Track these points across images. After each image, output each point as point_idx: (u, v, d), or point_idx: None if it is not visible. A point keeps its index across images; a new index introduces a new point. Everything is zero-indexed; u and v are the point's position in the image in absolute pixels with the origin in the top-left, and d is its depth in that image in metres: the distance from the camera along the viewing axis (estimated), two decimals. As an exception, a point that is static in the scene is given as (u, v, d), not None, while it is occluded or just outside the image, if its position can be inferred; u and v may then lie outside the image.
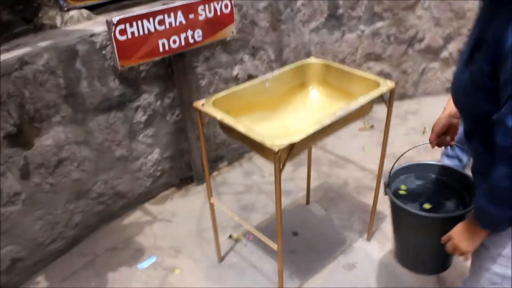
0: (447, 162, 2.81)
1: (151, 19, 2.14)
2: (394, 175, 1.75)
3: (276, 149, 1.41)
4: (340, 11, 3.12)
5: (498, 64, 0.99)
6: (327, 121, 1.55)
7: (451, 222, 1.32)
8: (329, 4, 3.05)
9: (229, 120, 1.57)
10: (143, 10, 2.13)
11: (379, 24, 3.28)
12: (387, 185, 1.68)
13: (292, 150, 1.47)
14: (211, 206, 2.05)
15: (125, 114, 2.35)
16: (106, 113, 2.27)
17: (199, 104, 1.73)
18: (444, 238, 1.32)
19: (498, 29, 0.99)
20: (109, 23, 2.01)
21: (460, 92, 1.18)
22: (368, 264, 2.21)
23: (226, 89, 1.82)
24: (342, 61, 3.34)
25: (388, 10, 3.24)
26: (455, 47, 3.47)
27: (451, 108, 1.43)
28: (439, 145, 1.51)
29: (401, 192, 1.72)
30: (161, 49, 2.23)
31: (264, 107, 1.95)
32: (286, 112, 2.00)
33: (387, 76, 3.55)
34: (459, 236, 1.25)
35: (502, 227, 1.16)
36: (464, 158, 2.81)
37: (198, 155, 2.76)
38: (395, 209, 1.67)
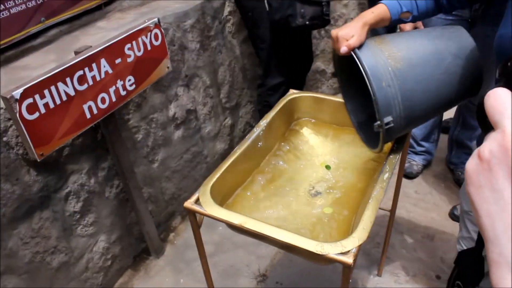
0: (417, 159, 2.63)
1: (68, 79, 1.51)
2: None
3: (350, 260, 0.99)
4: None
5: None
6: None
7: None
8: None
9: (263, 228, 1.09)
10: (49, 66, 1.49)
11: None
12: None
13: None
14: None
15: (53, 210, 1.69)
16: (27, 218, 1.59)
17: (191, 202, 1.21)
18: None
19: None
20: (8, 101, 1.35)
21: None
22: (394, 308, 1.93)
23: (217, 168, 1.32)
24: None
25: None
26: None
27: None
28: None
29: None
30: (88, 115, 1.61)
31: (260, 174, 1.49)
32: (289, 175, 1.55)
33: (320, 69, 3.26)
34: None
35: None
36: (433, 150, 2.66)
37: (151, 223, 2.19)
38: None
